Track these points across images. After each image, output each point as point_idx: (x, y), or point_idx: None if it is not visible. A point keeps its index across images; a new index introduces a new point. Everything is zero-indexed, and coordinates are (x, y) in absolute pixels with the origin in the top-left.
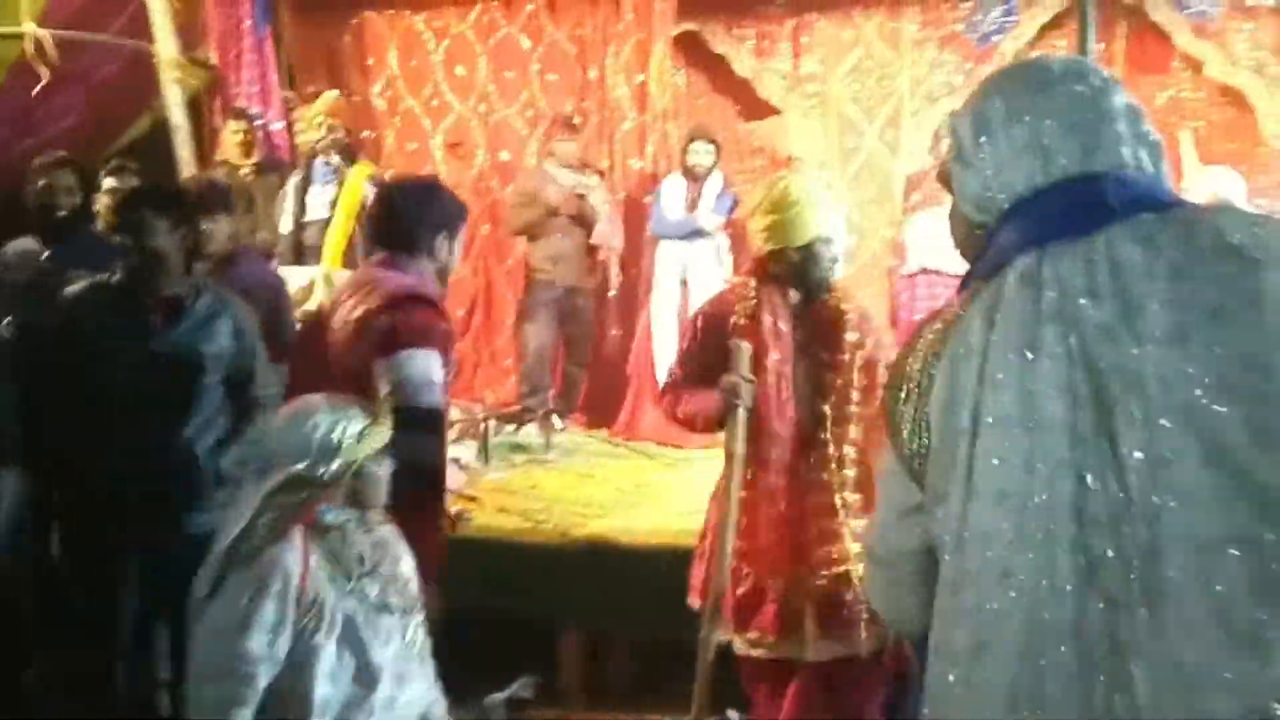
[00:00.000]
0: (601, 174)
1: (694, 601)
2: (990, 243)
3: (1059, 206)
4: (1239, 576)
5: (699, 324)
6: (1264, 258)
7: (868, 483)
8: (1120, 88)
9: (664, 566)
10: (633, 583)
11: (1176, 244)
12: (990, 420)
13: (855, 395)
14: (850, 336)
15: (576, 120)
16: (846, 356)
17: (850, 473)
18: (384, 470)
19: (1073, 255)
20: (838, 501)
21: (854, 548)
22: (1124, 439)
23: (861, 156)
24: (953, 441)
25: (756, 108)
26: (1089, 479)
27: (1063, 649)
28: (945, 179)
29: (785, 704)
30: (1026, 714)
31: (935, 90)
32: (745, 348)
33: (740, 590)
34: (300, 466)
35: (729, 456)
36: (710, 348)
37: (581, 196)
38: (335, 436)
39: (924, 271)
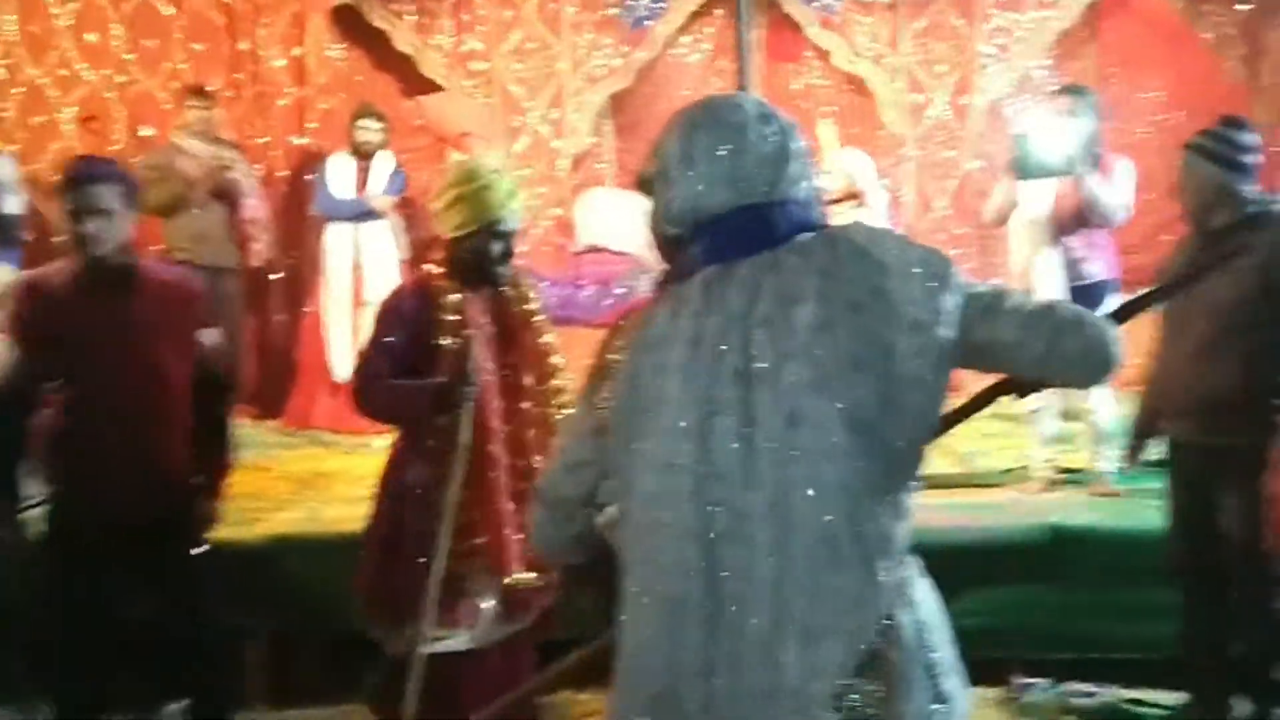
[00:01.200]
0: (240, 148)
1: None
2: (685, 251)
3: (744, 226)
4: (847, 512)
5: (398, 315)
6: (888, 261)
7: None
8: (796, 131)
9: (354, 556)
10: (321, 576)
11: (824, 253)
12: (661, 399)
13: (538, 370)
14: (545, 338)
15: (209, 88)
16: (540, 351)
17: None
18: None
19: (749, 265)
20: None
21: None
22: (762, 406)
23: (527, 135)
24: (629, 418)
25: (419, 85)
26: (717, 440)
27: (686, 587)
28: (644, 188)
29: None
30: (666, 648)
31: (595, 71)
32: (477, 340)
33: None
34: None
35: (435, 454)
36: (412, 340)
37: (225, 169)
38: None
39: (593, 249)
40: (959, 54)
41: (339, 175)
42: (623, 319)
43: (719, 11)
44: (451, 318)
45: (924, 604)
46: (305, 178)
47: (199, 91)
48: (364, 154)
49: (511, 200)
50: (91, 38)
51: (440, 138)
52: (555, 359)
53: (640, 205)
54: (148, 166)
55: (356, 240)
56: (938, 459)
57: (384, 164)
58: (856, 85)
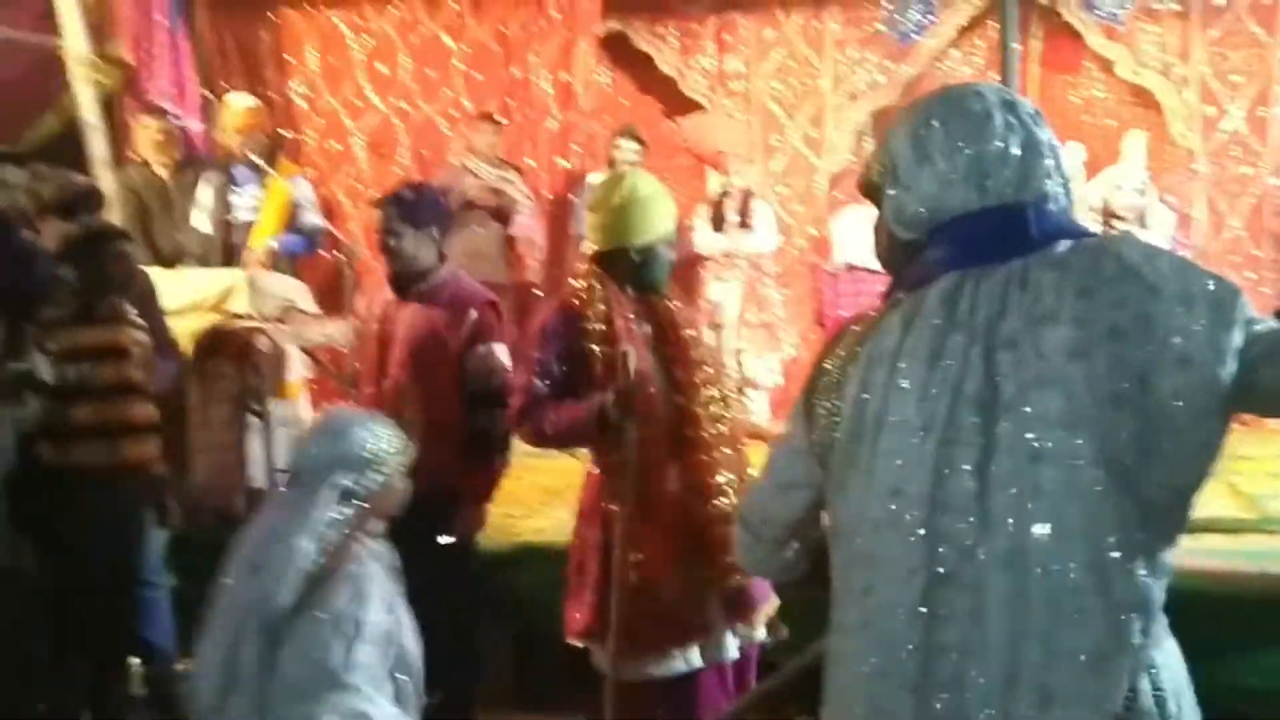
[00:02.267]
0: (520, 170)
1: (580, 640)
2: (917, 258)
3: (986, 232)
4: (1092, 563)
5: (550, 333)
6: (1160, 286)
7: (736, 461)
8: (1044, 121)
9: None
10: (560, 585)
11: (1084, 267)
12: (894, 420)
13: (705, 388)
14: (688, 332)
15: (497, 116)
16: (691, 351)
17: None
18: (406, 484)
19: (991, 279)
20: (719, 485)
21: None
22: (1003, 438)
23: (785, 154)
24: (858, 438)
25: (681, 107)
26: (952, 471)
27: (905, 625)
28: (869, 192)
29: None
30: (876, 691)
31: (857, 88)
32: (632, 353)
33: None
34: (347, 480)
35: (609, 469)
36: (566, 357)
37: (498, 191)
38: (375, 448)
39: (850, 268)
40: (1258, 63)
41: None
42: (841, 330)
43: (993, 23)
44: (599, 327)
45: (1165, 669)
46: (569, 198)
47: (487, 117)
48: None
49: (665, 220)
50: (383, 69)
51: (699, 157)
52: (708, 369)
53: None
54: (434, 186)
55: None
56: (1222, 500)
57: None
58: (1141, 97)
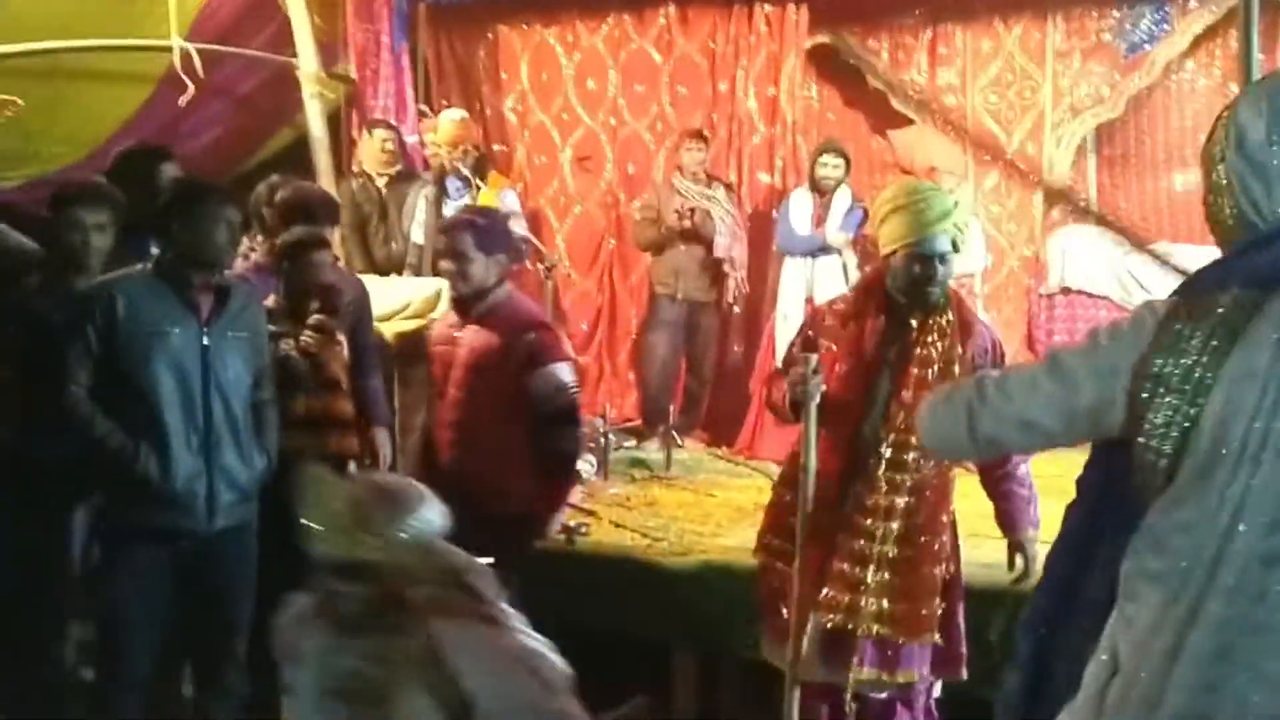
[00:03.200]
0: (729, 187)
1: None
2: (1266, 247)
3: None
4: None
5: (805, 321)
6: None
7: (910, 534)
8: None
9: None
10: (749, 605)
11: None
12: (1275, 451)
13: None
14: (930, 369)
15: (706, 133)
16: (918, 383)
17: (900, 503)
18: None
19: None
20: (876, 531)
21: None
22: None
23: (999, 171)
24: (1219, 458)
25: (889, 122)
26: None
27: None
28: (1208, 162)
29: None
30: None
31: (1080, 103)
32: (814, 359)
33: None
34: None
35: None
36: (808, 345)
37: (694, 212)
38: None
39: (1064, 291)
40: None
41: (799, 211)
42: (1168, 324)
43: (1230, 31)
44: (830, 323)
45: None
46: (772, 214)
47: (696, 134)
48: (823, 190)
49: (942, 220)
50: (591, 84)
51: (908, 172)
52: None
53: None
54: (643, 207)
55: (810, 276)
56: None
57: (842, 200)
58: None
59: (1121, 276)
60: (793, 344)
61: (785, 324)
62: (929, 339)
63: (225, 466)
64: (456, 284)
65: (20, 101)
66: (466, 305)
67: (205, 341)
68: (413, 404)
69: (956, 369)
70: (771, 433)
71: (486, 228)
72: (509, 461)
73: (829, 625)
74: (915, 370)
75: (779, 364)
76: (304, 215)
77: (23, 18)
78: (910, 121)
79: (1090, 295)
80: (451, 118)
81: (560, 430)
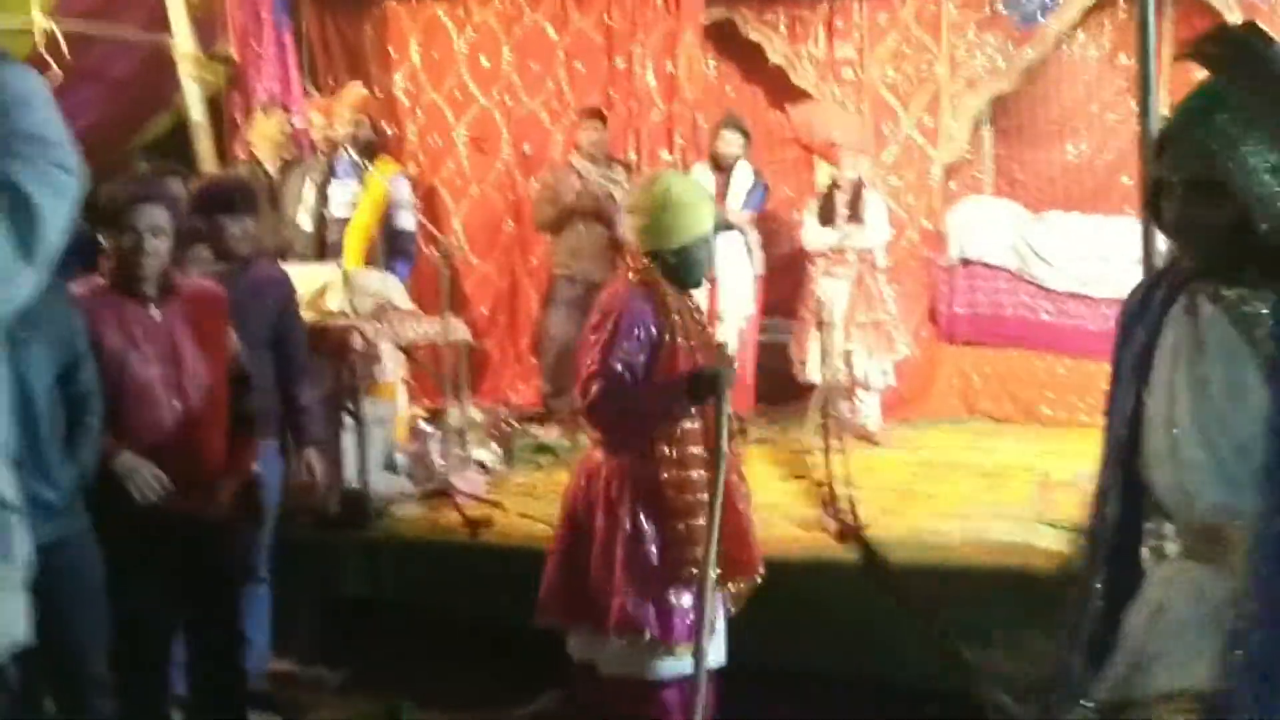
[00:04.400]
0: (628, 167)
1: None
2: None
3: None
4: None
5: (637, 321)
6: None
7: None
8: None
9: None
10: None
11: None
12: None
13: None
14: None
15: (604, 111)
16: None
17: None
18: None
19: None
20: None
21: None
22: None
23: (898, 144)
24: None
25: (788, 97)
26: None
27: None
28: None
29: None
30: None
31: (975, 74)
32: (729, 344)
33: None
34: None
35: (682, 461)
36: (649, 347)
37: (596, 198)
38: None
39: (965, 263)
40: None
41: None
42: None
43: (1122, 2)
44: (677, 319)
45: None
46: None
47: (594, 113)
48: (723, 166)
49: (700, 220)
50: (485, 62)
51: (807, 147)
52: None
53: (1017, 215)
54: (542, 187)
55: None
56: None
57: (743, 176)
58: None
59: (1019, 247)
60: (620, 346)
61: None
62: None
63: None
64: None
65: None
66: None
67: None
68: None
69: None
70: None
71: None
72: None
73: None
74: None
75: (600, 369)
76: (224, 205)
77: None
78: (809, 96)
79: (989, 266)
80: (356, 87)
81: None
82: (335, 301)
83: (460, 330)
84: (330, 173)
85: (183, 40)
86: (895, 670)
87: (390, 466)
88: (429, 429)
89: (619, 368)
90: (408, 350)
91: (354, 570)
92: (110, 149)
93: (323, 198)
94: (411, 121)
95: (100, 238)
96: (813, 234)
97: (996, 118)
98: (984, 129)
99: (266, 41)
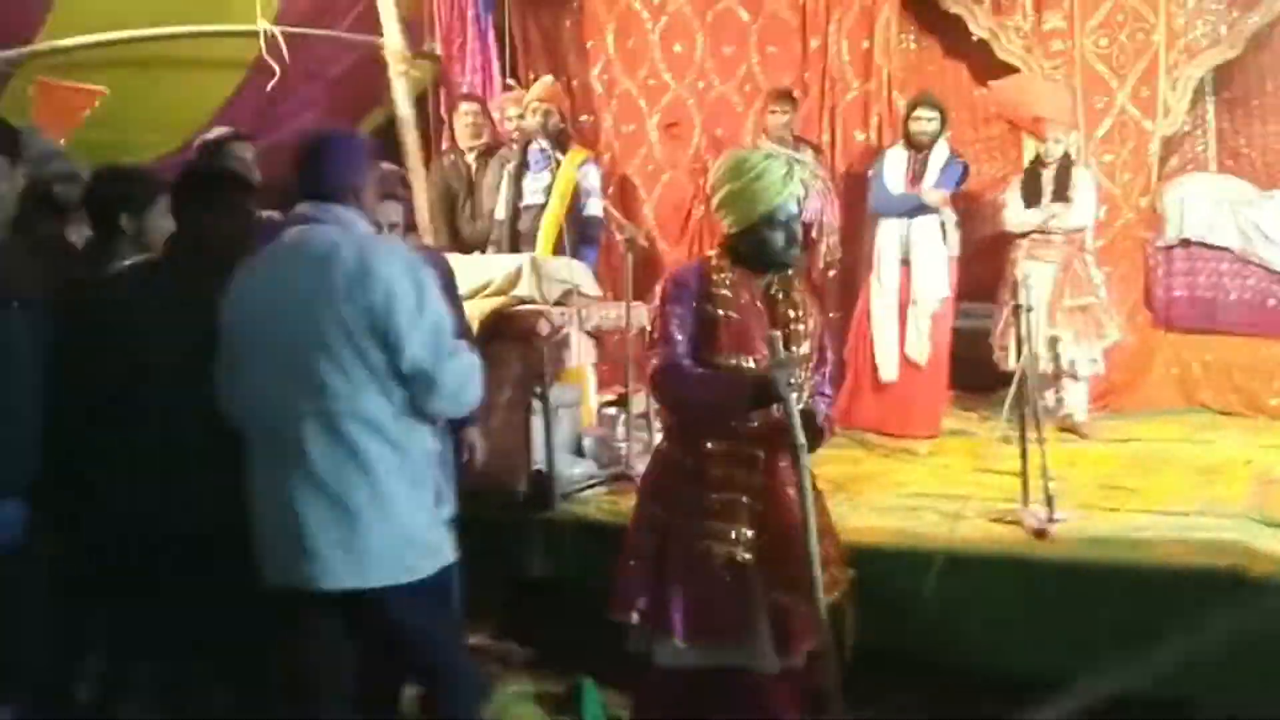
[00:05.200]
0: (817, 149)
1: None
2: None
3: None
4: None
5: (682, 286)
6: None
7: None
8: None
9: (880, 566)
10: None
11: None
12: None
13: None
14: (799, 326)
15: (796, 93)
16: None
17: None
18: None
19: None
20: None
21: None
22: None
23: (1112, 118)
24: None
25: (993, 72)
26: None
27: None
28: None
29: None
30: None
31: (1196, 43)
32: (779, 336)
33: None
34: None
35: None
36: (696, 314)
37: None
38: None
39: (1184, 243)
40: None
41: (894, 169)
42: None
43: None
44: (724, 293)
45: None
46: (867, 173)
47: (783, 95)
48: (919, 146)
49: (788, 186)
50: (679, 48)
51: (1013, 124)
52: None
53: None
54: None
55: (906, 237)
56: None
57: (938, 156)
58: None
59: (1244, 227)
60: (680, 318)
61: (880, 288)
62: (788, 304)
63: None
64: None
65: (106, 91)
66: None
67: None
68: (497, 382)
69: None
70: (867, 400)
71: None
72: None
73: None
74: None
75: (664, 340)
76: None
77: (113, 7)
78: (1014, 70)
79: (1211, 247)
80: (543, 81)
81: None
82: (524, 288)
83: (645, 317)
84: (524, 163)
85: (392, 39)
86: (1091, 673)
87: (577, 451)
88: (614, 413)
89: (675, 333)
90: (596, 336)
91: (540, 551)
92: None
93: (517, 188)
94: (607, 111)
95: None
96: (1015, 214)
97: (1219, 88)
98: (1205, 101)
99: (470, 38)
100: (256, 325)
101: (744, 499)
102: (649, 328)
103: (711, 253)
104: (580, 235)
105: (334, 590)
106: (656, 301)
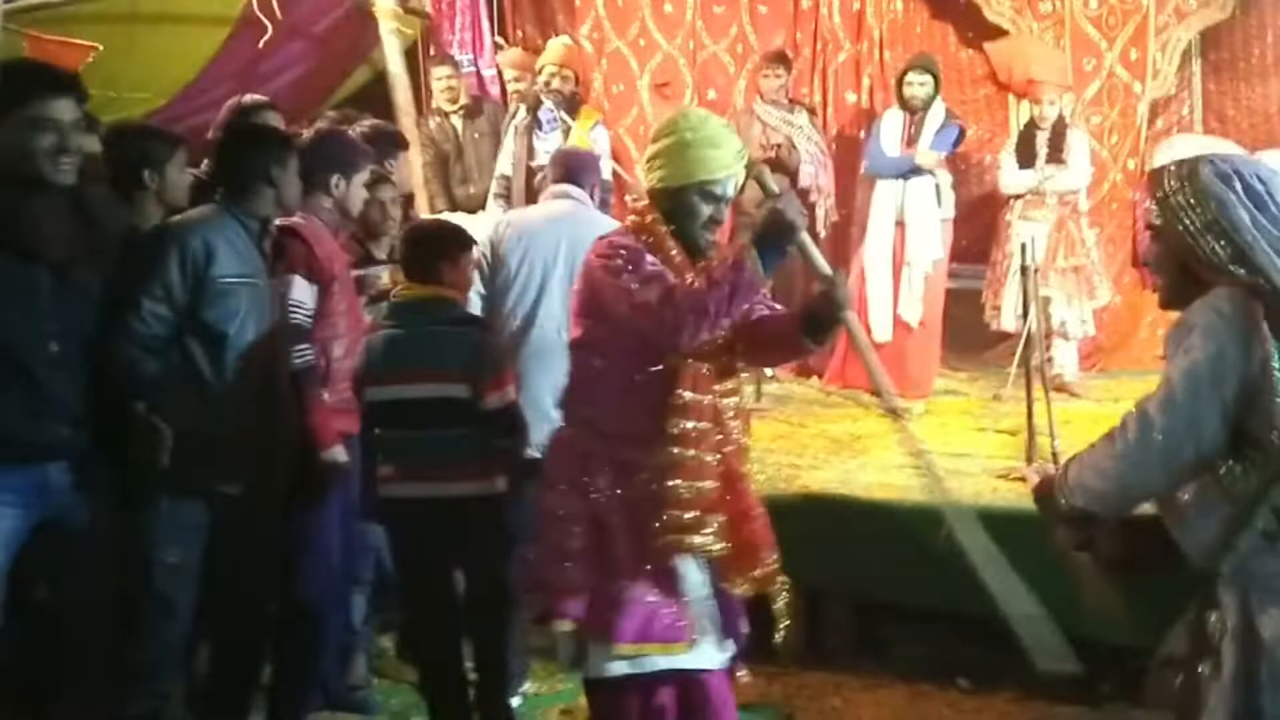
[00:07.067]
0: (812, 111)
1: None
2: None
3: None
4: None
5: (634, 252)
6: None
7: None
8: None
9: (884, 522)
10: (850, 539)
11: None
12: None
13: None
14: None
15: (788, 53)
16: None
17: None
18: None
19: None
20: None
21: None
22: None
23: (1100, 80)
24: None
25: (981, 33)
26: None
27: None
28: None
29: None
30: None
31: (1185, 5)
32: (765, 168)
33: None
34: None
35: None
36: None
37: (777, 147)
38: None
39: None
40: None
41: (890, 131)
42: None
43: None
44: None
45: None
46: (858, 136)
47: (778, 58)
48: (913, 108)
49: (736, 165)
50: (669, 8)
51: (1003, 86)
52: None
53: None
54: None
55: (901, 199)
56: None
57: (934, 118)
58: None
59: None
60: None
61: (874, 249)
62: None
63: None
64: None
65: (99, 47)
66: None
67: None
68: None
69: None
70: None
71: None
72: None
73: None
74: None
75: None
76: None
77: None
78: (1004, 33)
79: None
80: (561, 40)
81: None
82: None
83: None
84: (536, 125)
85: None
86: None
87: None
88: None
89: (656, 270)
90: None
91: None
92: (315, 100)
93: (529, 146)
94: (597, 70)
95: None
96: (1011, 176)
97: (1207, 51)
98: (1192, 63)
99: None
100: None
101: (706, 484)
102: (619, 284)
103: (632, 218)
104: None
105: None
106: (612, 264)
